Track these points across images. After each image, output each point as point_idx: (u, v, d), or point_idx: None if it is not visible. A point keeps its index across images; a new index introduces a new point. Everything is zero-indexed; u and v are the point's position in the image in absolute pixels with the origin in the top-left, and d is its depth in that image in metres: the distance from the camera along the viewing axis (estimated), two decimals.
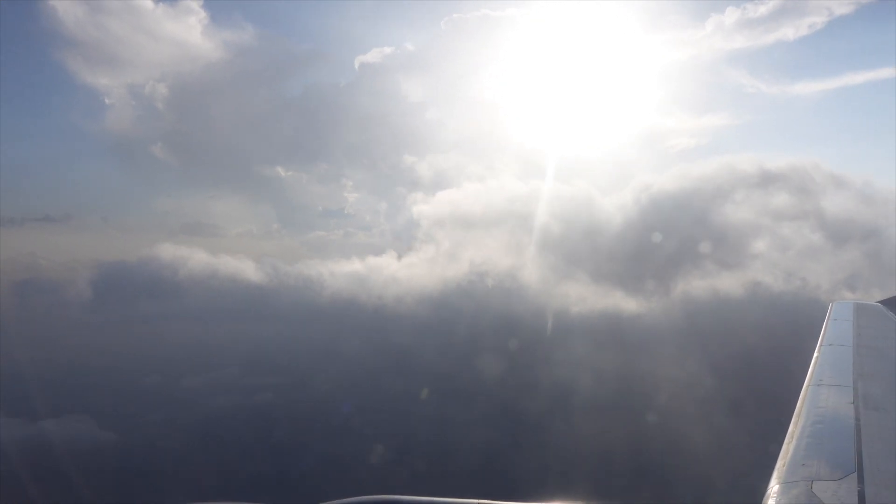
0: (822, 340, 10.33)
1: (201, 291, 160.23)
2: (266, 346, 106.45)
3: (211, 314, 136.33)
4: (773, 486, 4.52)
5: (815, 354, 9.21)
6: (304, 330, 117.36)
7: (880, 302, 15.64)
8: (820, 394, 7.12)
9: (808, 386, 7.39)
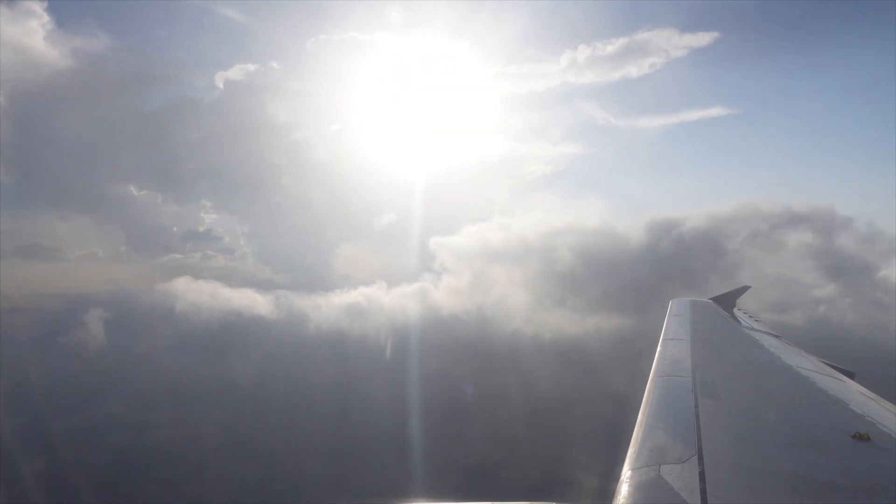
0: (663, 335, 11.13)
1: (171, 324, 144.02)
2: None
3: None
4: (626, 472, 4.77)
5: (658, 349, 9.88)
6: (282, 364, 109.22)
7: (711, 299, 17.21)
8: (663, 385, 7.63)
9: (652, 378, 7.89)
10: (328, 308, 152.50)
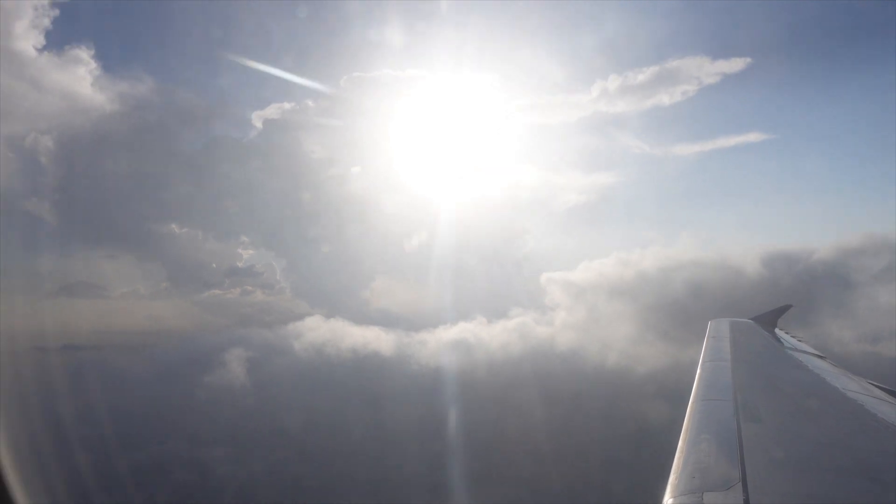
0: (703, 357, 10.92)
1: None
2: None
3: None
4: (668, 500, 4.66)
5: (698, 371, 9.69)
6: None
7: (752, 319, 16.85)
8: (704, 409, 7.48)
9: (693, 402, 7.74)
10: (436, 345, 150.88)
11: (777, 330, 15.85)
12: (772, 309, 17.65)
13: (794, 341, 14.53)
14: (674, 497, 4.69)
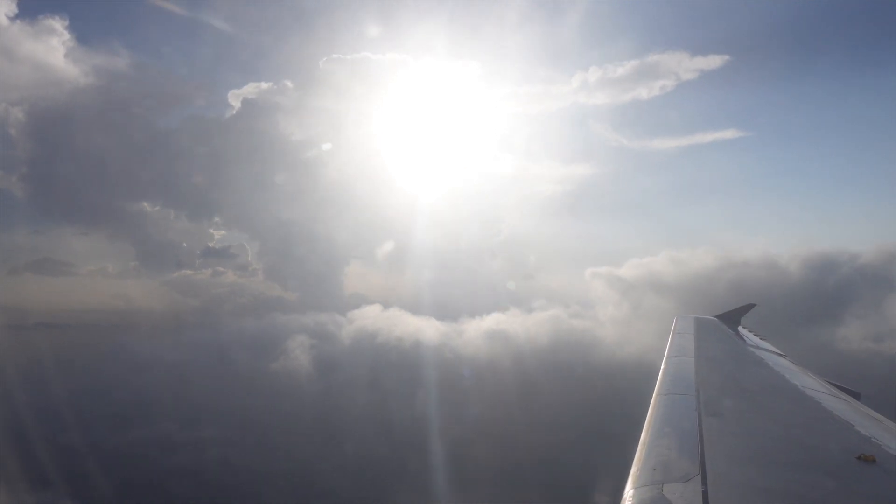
0: (667, 353, 11.07)
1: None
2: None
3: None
4: (629, 491, 4.72)
5: (662, 366, 9.83)
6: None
7: (716, 316, 17.11)
8: (667, 402, 7.59)
9: (656, 395, 7.84)
10: (472, 334, 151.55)
11: (740, 328, 16.13)
12: (736, 307, 17.93)
13: (756, 339, 14.79)
14: (634, 488, 4.75)
